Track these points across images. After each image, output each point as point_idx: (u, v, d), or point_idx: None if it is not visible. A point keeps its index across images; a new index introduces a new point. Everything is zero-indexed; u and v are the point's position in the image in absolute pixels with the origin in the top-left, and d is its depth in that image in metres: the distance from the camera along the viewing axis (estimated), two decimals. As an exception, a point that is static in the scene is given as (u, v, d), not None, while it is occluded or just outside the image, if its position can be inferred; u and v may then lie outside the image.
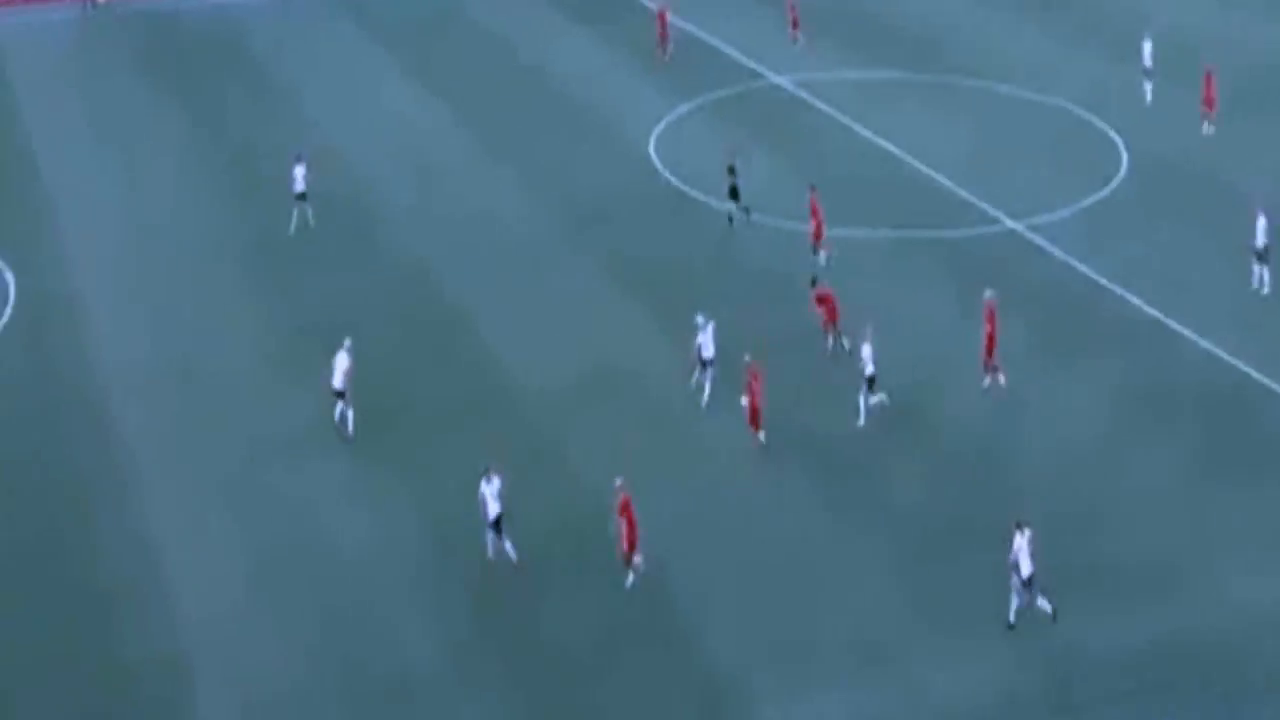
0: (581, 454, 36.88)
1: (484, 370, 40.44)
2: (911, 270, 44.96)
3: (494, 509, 32.96)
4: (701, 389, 38.50)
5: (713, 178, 49.61)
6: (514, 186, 51.02)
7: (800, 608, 31.91)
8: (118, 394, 39.75)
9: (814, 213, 44.70)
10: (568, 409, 38.58)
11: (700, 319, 38.47)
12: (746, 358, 37.01)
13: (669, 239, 47.16)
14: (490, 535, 33.09)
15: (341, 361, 37.62)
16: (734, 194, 47.16)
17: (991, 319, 38.82)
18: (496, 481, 33.01)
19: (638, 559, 32.36)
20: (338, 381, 37.61)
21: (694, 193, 50.20)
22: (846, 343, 39.92)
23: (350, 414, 37.52)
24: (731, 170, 47.20)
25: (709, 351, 38.39)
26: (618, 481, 32.29)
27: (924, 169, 51.67)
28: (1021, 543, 30.55)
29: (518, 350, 41.22)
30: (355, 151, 53.88)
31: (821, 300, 40.17)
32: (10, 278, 45.33)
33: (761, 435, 36.76)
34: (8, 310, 43.68)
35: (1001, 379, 38.76)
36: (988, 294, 39.46)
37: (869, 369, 37.31)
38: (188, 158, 53.56)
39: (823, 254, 44.63)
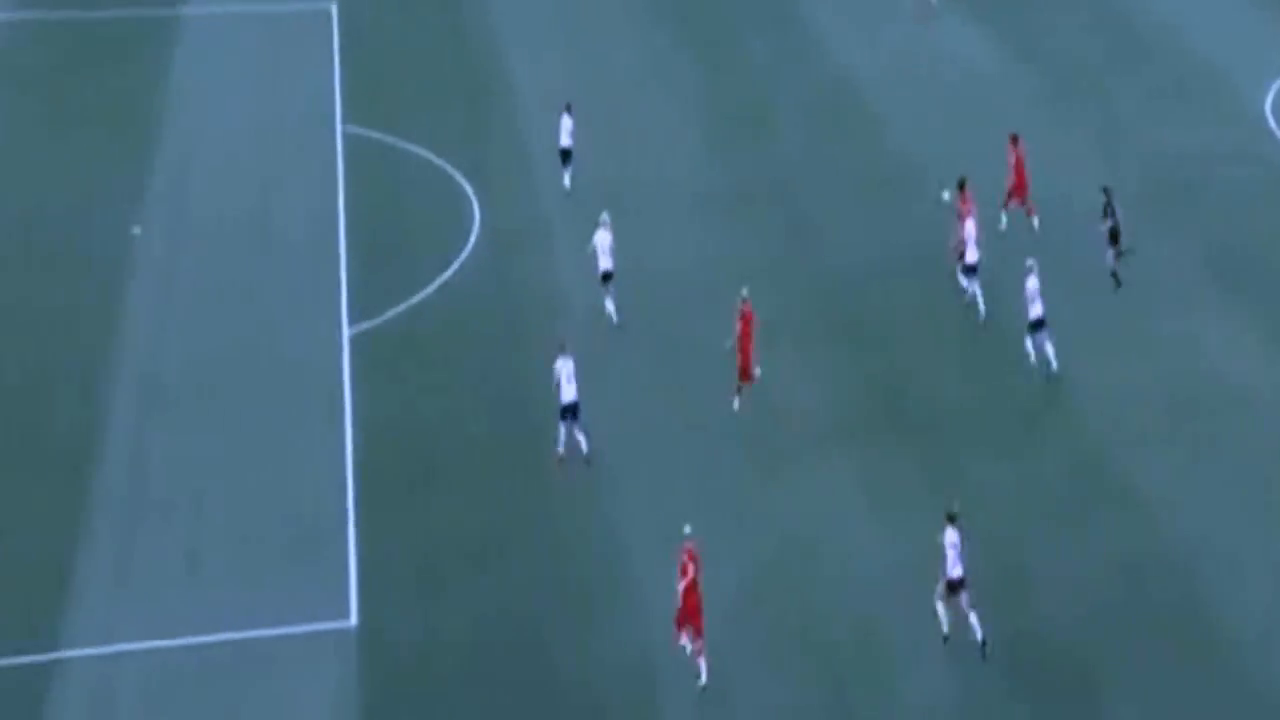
0: (1159, 493, 31.71)
1: (1024, 378, 35.54)
2: None
3: (569, 393, 32.67)
4: None
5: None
6: (1085, 146, 45.36)
7: None
8: (587, 347, 36.71)
9: (1016, 167, 40.20)
10: (1144, 443, 33.41)
11: None
12: (744, 291, 33.85)
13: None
14: (561, 425, 32.88)
15: (604, 239, 37.17)
16: (1114, 237, 38.21)
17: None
18: (571, 361, 32.77)
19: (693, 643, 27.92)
20: (606, 261, 37.14)
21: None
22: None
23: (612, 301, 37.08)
24: (1108, 210, 38.36)
25: None
26: (687, 530, 28.19)
27: None
28: (953, 538, 27.71)
29: (1082, 358, 35.96)
30: (888, 99, 48.82)
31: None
32: (475, 206, 43.26)
33: (736, 402, 33.92)
34: (470, 242, 41.48)
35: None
36: None
37: (1034, 311, 34.84)
38: (679, 90, 50.07)
39: (1034, 218, 39.99)
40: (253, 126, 47.04)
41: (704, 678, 27.63)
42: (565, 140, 43.03)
